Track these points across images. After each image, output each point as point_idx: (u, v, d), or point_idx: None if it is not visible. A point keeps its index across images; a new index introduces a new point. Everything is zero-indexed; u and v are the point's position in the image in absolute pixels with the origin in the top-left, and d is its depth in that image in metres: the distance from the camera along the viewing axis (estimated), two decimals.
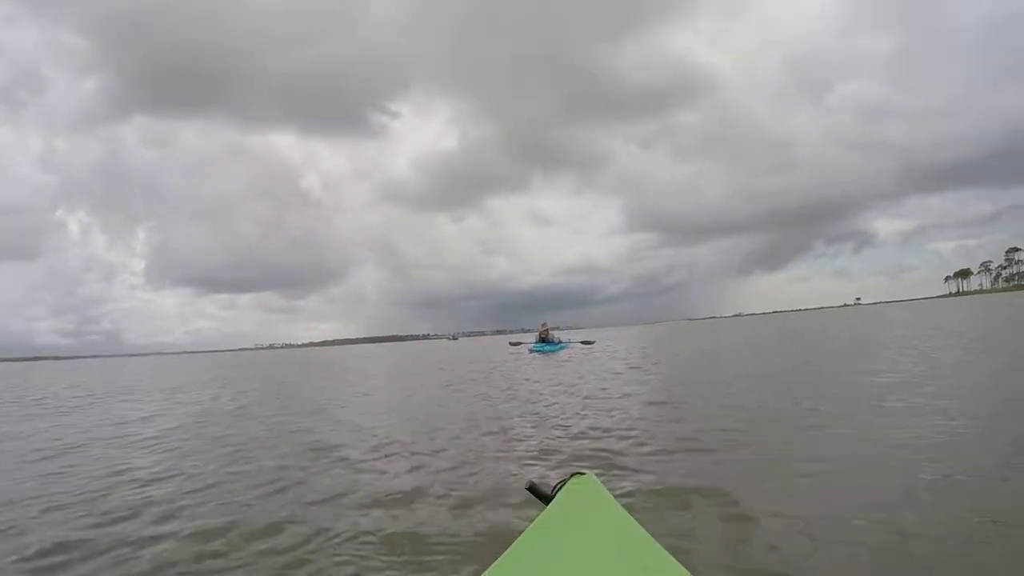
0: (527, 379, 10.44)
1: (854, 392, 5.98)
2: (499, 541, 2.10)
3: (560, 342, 21.51)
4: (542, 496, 1.71)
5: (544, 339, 21.13)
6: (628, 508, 1.55)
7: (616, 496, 1.76)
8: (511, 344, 27.25)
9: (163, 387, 14.80)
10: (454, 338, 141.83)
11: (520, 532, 1.40)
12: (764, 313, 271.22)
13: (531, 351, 20.41)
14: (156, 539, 2.80)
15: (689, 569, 1.17)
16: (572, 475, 1.72)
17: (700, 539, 2.41)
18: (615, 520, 1.46)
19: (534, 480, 1.80)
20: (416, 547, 2.53)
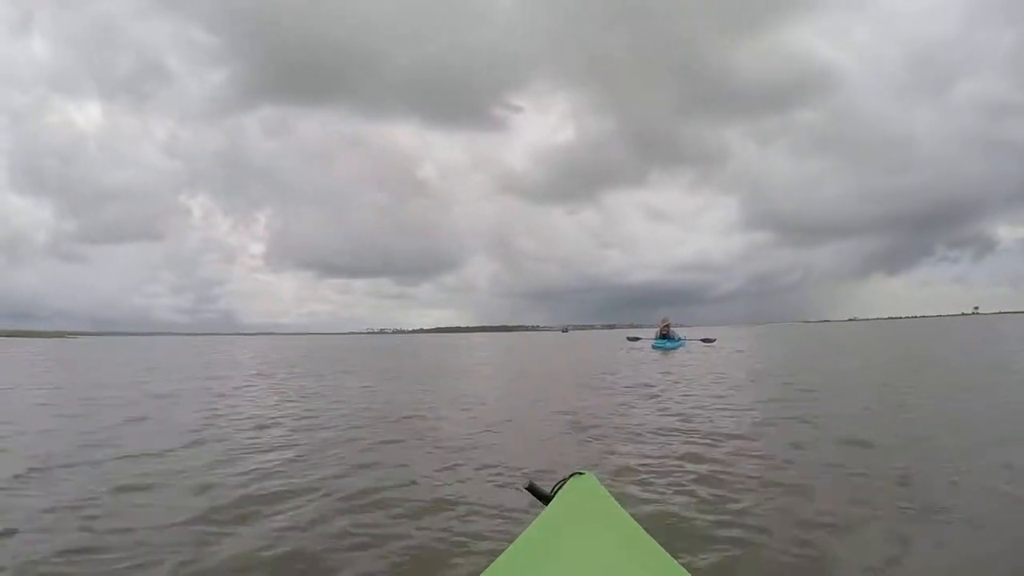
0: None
1: None
2: (507, 538, 2.15)
3: (680, 339, 21.21)
4: (541, 496, 1.71)
5: (664, 335, 20.83)
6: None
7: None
8: (629, 339, 27.19)
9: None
10: (565, 331, 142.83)
11: (519, 532, 1.42)
12: (880, 319, 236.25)
13: (653, 347, 20.38)
14: None
15: (689, 569, 1.19)
16: (572, 475, 1.72)
17: None
18: (615, 520, 1.48)
19: (534, 480, 1.81)
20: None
